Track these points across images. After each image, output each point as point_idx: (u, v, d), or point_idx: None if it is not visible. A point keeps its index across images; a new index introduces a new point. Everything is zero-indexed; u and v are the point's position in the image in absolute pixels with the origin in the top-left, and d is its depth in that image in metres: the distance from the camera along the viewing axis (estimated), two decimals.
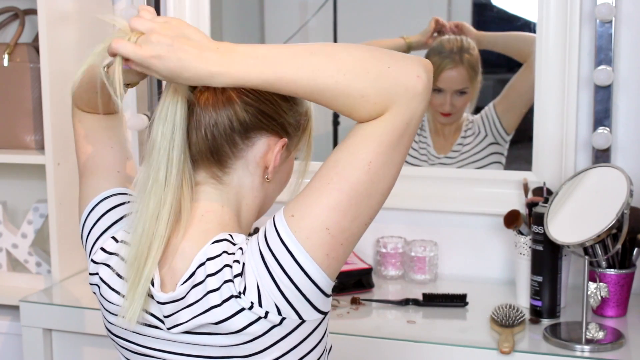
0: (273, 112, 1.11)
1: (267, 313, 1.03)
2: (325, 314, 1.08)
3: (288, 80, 1.00)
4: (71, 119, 1.29)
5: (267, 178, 1.13)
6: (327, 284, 1.05)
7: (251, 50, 1.01)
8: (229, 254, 1.05)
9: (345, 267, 1.92)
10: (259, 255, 1.03)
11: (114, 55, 1.02)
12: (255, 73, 1.00)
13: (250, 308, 1.03)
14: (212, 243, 1.07)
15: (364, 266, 1.95)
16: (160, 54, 0.99)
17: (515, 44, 2.06)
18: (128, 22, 1.02)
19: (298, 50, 1.01)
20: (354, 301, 1.85)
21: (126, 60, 1.02)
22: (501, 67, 2.11)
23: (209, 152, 1.11)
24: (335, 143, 2.25)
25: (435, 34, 2.11)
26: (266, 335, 1.04)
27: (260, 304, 1.02)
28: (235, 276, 1.03)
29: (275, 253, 1.02)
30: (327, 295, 1.06)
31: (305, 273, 1.02)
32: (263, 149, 1.12)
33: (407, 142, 1.04)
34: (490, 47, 2.10)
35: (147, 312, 1.09)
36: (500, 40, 2.09)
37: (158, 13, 2.12)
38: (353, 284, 1.92)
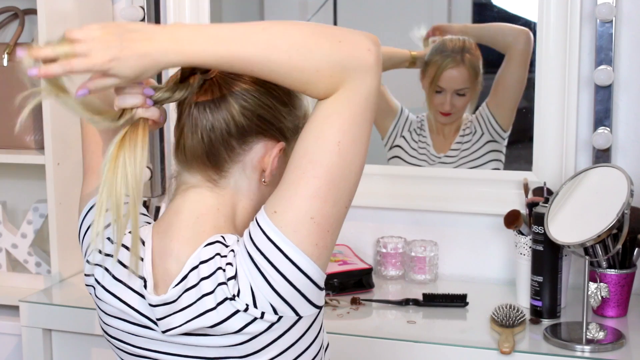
0: (271, 117, 1.11)
1: (262, 314, 1.03)
2: (320, 307, 1.07)
3: (242, 57, 1.00)
4: (78, 120, 1.29)
5: (264, 181, 1.13)
6: (320, 276, 1.05)
7: (201, 28, 1.01)
8: (222, 256, 1.05)
9: (345, 267, 1.92)
10: (249, 258, 1.03)
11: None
12: (210, 51, 1.00)
13: (246, 310, 1.02)
14: (205, 246, 1.06)
15: (364, 266, 1.95)
16: (116, 56, 0.98)
17: (495, 35, 2.07)
18: (64, 34, 0.99)
19: (249, 28, 1.01)
20: (354, 301, 1.85)
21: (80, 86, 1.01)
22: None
23: (205, 155, 1.10)
24: None
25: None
26: (265, 333, 1.04)
27: (255, 306, 1.02)
28: (229, 279, 1.03)
29: (264, 252, 1.02)
30: (320, 289, 1.06)
31: (297, 267, 1.02)
32: (260, 152, 1.11)
33: (370, 117, 1.05)
34: (476, 40, 2.11)
35: (139, 312, 1.09)
36: (485, 32, 2.09)
37: (158, 13, 2.14)
38: (353, 284, 1.91)
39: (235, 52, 1.00)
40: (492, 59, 2.11)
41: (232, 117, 1.08)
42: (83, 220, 1.21)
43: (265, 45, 1.00)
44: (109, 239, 1.14)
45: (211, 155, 1.10)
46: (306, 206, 1.01)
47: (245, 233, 1.05)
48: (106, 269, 1.12)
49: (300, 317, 1.05)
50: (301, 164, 1.02)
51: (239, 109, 1.08)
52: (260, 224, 1.03)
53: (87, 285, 1.16)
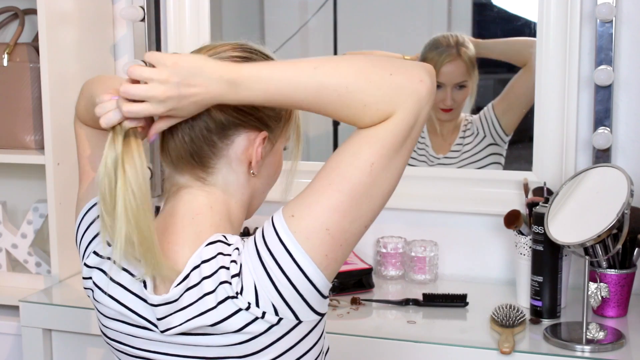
0: (249, 108, 1.10)
1: (264, 313, 1.03)
2: (321, 315, 1.08)
3: (293, 100, 1.03)
4: (73, 123, 1.30)
5: (253, 173, 1.13)
6: (325, 285, 1.05)
7: (255, 72, 1.03)
8: (225, 255, 1.05)
9: (345, 267, 1.92)
10: (256, 256, 1.03)
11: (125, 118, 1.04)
12: (262, 95, 1.03)
13: (247, 309, 1.02)
14: (207, 245, 1.06)
15: (364, 266, 1.95)
16: (174, 107, 1.02)
17: (515, 49, 2.06)
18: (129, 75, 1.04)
19: (301, 68, 1.03)
20: (354, 301, 1.85)
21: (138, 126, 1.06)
22: (501, 67, 2.11)
23: (189, 155, 1.10)
24: (335, 143, 2.25)
25: None
26: (264, 334, 1.04)
27: (257, 305, 1.02)
28: (233, 277, 1.03)
29: (273, 253, 1.02)
30: (324, 297, 1.06)
31: (304, 273, 1.02)
32: (243, 144, 1.11)
33: (410, 145, 1.05)
34: (487, 55, 2.11)
35: (137, 314, 1.09)
36: (499, 47, 2.09)
37: (158, 13, 2.13)
38: (353, 284, 1.91)
39: (286, 95, 1.02)
40: (491, 59, 2.11)
41: (208, 113, 1.08)
42: (80, 223, 1.21)
43: (316, 87, 1.02)
44: (106, 241, 1.14)
45: (195, 154, 1.10)
46: (324, 217, 1.02)
47: (258, 231, 1.06)
48: (104, 272, 1.12)
49: (300, 322, 1.05)
50: (330, 175, 1.03)
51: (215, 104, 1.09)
52: (275, 224, 1.04)
53: (85, 288, 1.17)
